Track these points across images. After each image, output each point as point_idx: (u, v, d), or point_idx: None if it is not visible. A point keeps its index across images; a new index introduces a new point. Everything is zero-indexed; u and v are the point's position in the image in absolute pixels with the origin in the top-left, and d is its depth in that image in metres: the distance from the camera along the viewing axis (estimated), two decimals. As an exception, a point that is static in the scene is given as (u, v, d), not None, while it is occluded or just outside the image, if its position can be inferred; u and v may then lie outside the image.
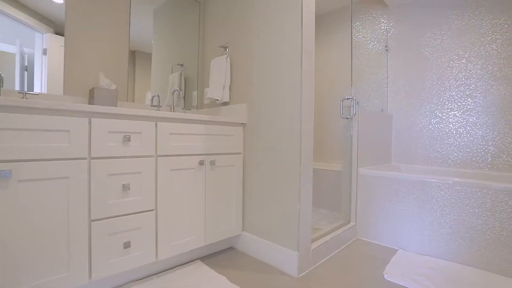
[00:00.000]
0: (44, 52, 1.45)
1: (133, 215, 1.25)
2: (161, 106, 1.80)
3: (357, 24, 2.47)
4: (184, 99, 2.07)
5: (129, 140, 1.23)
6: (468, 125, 2.21)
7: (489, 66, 2.13)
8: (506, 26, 2.06)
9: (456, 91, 2.27)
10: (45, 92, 1.44)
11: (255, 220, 1.66)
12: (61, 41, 1.49)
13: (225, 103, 1.87)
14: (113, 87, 1.56)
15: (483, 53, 2.16)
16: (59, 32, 1.49)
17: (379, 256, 1.71)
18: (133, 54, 1.79)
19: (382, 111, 2.56)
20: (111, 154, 1.18)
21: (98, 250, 1.14)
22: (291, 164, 1.47)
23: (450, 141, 2.29)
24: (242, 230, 1.74)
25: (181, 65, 2.06)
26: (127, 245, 1.23)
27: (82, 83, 1.56)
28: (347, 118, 2.00)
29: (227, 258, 1.63)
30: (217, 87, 1.81)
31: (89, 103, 1.52)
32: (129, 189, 1.23)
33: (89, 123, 1.12)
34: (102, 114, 1.16)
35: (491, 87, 2.12)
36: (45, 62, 1.45)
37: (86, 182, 1.11)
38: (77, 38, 1.54)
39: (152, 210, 1.32)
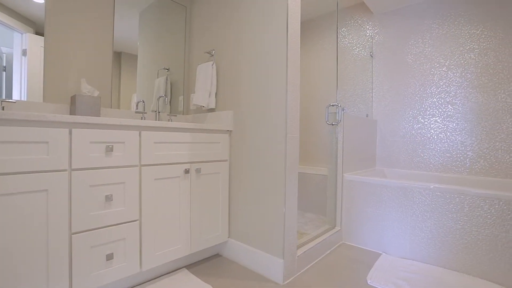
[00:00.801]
0: (24, 53, 1.40)
1: (116, 226, 1.23)
2: (145, 113, 1.78)
3: (343, 30, 2.51)
4: (170, 104, 2.05)
5: (112, 150, 1.21)
6: (448, 131, 2.29)
7: (468, 74, 2.21)
8: (483, 36, 2.14)
9: (437, 98, 2.35)
10: (25, 99, 1.39)
11: (241, 227, 1.67)
12: (42, 42, 1.45)
13: (211, 110, 1.87)
14: (96, 93, 1.52)
15: (462, 61, 2.24)
16: (40, 32, 1.44)
17: (363, 260, 1.74)
18: (118, 55, 1.76)
19: (367, 116, 2.62)
20: (93, 165, 1.15)
21: (79, 263, 1.12)
22: (277, 172, 1.48)
23: (432, 146, 2.37)
24: (229, 237, 1.74)
25: (167, 69, 2.04)
26: (110, 256, 1.20)
27: (63, 89, 1.52)
28: (332, 124, 2.03)
29: (213, 266, 1.63)
30: (203, 93, 1.80)
31: (71, 111, 1.48)
32: (112, 200, 1.21)
33: (70, 133, 1.10)
34: (84, 124, 1.13)
35: (469, 94, 2.20)
36: (24, 63, 1.40)
37: (66, 194, 1.08)
38: (57, 40, 1.50)
39: (136, 220, 1.31)
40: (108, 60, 1.70)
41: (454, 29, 2.27)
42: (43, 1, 1.44)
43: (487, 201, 1.51)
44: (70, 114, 1.48)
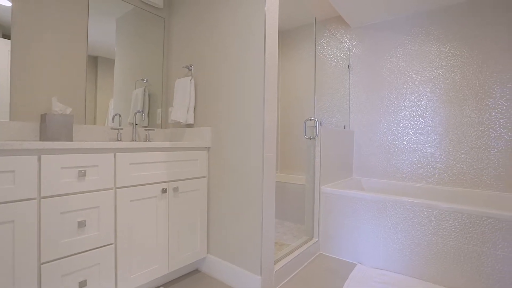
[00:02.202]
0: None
1: (89, 251, 1.20)
2: (122, 128, 1.74)
3: (322, 42, 2.57)
4: (148, 116, 2.01)
5: (85, 175, 1.18)
6: (420, 143, 2.41)
7: (437, 89, 2.33)
8: (450, 54, 2.27)
9: (410, 111, 2.46)
10: (-11, 119, 1.32)
11: (220, 243, 1.68)
12: (9, 46, 1.37)
13: (189, 125, 1.86)
14: (69, 110, 1.47)
15: (432, 77, 2.36)
16: (7, 35, 1.36)
17: (339, 271, 1.80)
18: (95, 59, 1.71)
19: (344, 127, 2.70)
20: (65, 191, 1.12)
21: (49, 294, 1.08)
22: (254, 190, 1.50)
23: (405, 157, 2.48)
24: (207, 253, 1.74)
25: (145, 80, 2.00)
26: (83, 284, 1.18)
27: (32, 105, 1.45)
28: (310, 138, 2.08)
29: (192, 283, 1.62)
30: (181, 109, 1.78)
31: (41, 129, 1.42)
32: (85, 225, 1.18)
33: (39, 160, 1.06)
34: (54, 150, 1.10)
35: (438, 108, 2.33)
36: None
37: (35, 223, 1.04)
38: (26, 48, 1.42)
39: (111, 244, 1.28)
40: (81, 68, 1.64)
41: (425, 46, 2.39)
42: (10, 4, 1.37)
43: (451, 214, 1.61)
44: (40, 133, 1.42)
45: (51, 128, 1.38)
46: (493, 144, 2.10)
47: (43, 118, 1.41)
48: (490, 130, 2.11)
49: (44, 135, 1.38)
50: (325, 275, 1.76)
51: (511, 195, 2.01)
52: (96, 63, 1.72)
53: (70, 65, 1.59)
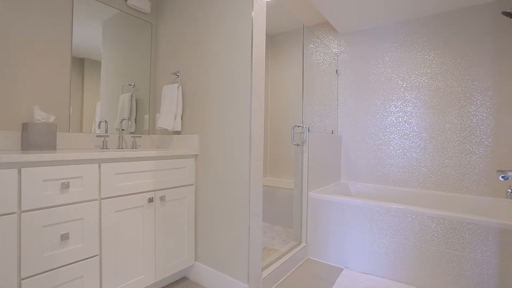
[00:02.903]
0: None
1: (73, 264, 1.18)
2: (108, 136, 1.72)
3: (311, 47, 2.60)
4: (135, 122, 1.99)
5: (68, 187, 1.15)
6: (405, 148, 2.46)
7: (422, 96, 2.39)
8: (435, 61, 2.33)
9: (396, 117, 2.51)
10: (-33, 128, 1.28)
11: (208, 250, 1.68)
12: None
13: (177, 132, 1.84)
14: (52, 119, 1.44)
15: (416, 84, 2.41)
16: None
17: (326, 277, 1.83)
18: (81, 61, 1.67)
19: (332, 132, 2.73)
20: (47, 204, 1.10)
21: (30, 309, 1.06)
22: (241, 197, 1.50)
23: (391, 161, 2.53)
24: (195, 260, 1.74)
25: (132, 85, 1.98)
26: (66, 297, 1.16)
27: (13, 111, 1.41)
28: (298, 145, 2.09)
29: (180, 292, 1.62)
30: (168, 116, 1.77)
31: (22, 139, 1.39)
32: (68, 238, 1.16)
33: (19, 173, 1.03)
34: (35, 162, 1.07)
35: (423, 114, 2.38)
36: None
37: (15, 238, 1.02)
38: (5, 50, 1.38)
39: (96, 255, 1.26)
40: (66, 72, 1.60)
41: (410, 53, 2.44)
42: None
43: (434, 220, 1.65)
44: (22, 142, 1.39)
45: (33, 138, 1.35)
46: (474, 149, 2.17)
47: (25, 127, 1.37)
48: (472, 136, 2.18)
49: (26, 145, 1.35)
50: (313, 280, 1.78)
51: (490, 199, 2.08)
52: (83, 65, 1.69)
53: (53, 68, 1.55)
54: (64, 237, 1.14)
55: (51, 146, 1.41)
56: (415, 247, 1.70)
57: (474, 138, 2.17)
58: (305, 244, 2.10)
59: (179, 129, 1.78)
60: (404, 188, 2.45)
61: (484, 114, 2.14)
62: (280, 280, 1.76)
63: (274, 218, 2.80)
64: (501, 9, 2.00)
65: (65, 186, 1.14)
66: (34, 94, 1.48)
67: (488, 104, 2.13)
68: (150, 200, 1.47)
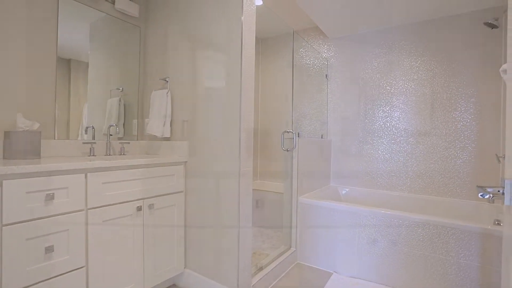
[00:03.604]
0: None
1: (59, 276, 1.16)
2: (95, 142, 1.69)
3: (301, 51, 2.62)
4: (123, 127, 1.96)
5: (53, 198, 1.13)
6: (393, 153, 2.51)
7: (409, 101, 2.44)
8: (421, 68, 2.39)
9: (384, 121, 2.56)
10: None
11: (197, 257, 1.67)
12: None
13: (166, 138, 1.83)
14: (36, 126, 1.40)
15: (404, 89, 2.46)
16: None
17: (315, 282, 1.85)
18: (67, 62, 1.63)
19: (322, 137, 2.76)
20: (31, 217, 1.07)
21: (13, 325, 1.03)
22: (231, 204, 1.50)
23: (380, 166, 2.58)
24: (185, 267, 1.73)
25: (120, 89, 1.95)
26: (50, 311, 1.13)
27: (-4, 121, 1.37)
28: (287, 150, 2.11)
29: (169, 300, 1.61)
30: (157, 122, 1.75)
31: (5, 147, 1.34)
32: (53, 251, 1.13)
33: (0, 185, 1.00)
34: (18, 174, 1.04)
35: (410, 120, 2.44)
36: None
37: (-4, 253, 0.99)
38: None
39: (83, 267, 1.24)
40: (51, 74, 1.55)
41: (398, 59, 2.49)
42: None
43: (420, 225, 1.69)
44: (4, 151, 1.34)
45: (16, 146, 1.31)
46: (458, 154, 2.24)
47: (7, 135, 1.33)
48: (456, 141, 2.24)
49: (8, 154, 1.31)
50: (302, 285, 1.80)
51: (473, 202, 2.14)
52: (69, 66, 1.65)
53: (38, 70, 1.50)
54: (49, 249, 1.12)
55: (35, 155, 1.37)
56: (402, 251, 1.74)
57: (459, 143, 2.23)
58: (294, 249, 2.12)
59: (168, 135, 1.76)
60: (392, 192, 2.50)
61: (468, 120, 2.20)
62: (270, 286, 1.77)
63: (265, 222, 2.80)
64: (484, 19, 2.07)
65: (50, 198, 1.12)
66: (16, 99, 1.43)
67: (471, 110, 2.19)
68: (139, 208, 1.45)
